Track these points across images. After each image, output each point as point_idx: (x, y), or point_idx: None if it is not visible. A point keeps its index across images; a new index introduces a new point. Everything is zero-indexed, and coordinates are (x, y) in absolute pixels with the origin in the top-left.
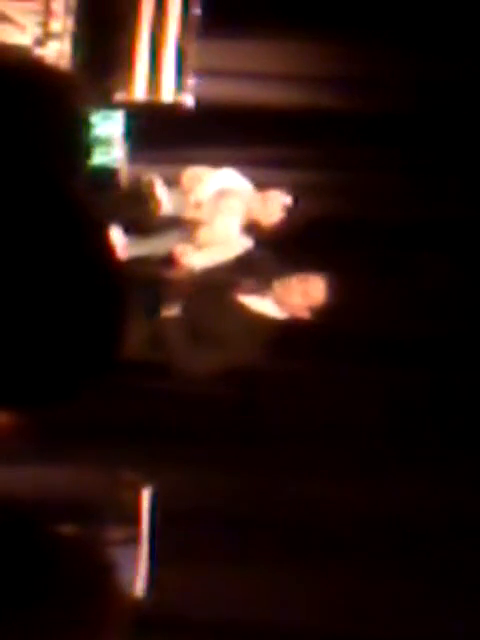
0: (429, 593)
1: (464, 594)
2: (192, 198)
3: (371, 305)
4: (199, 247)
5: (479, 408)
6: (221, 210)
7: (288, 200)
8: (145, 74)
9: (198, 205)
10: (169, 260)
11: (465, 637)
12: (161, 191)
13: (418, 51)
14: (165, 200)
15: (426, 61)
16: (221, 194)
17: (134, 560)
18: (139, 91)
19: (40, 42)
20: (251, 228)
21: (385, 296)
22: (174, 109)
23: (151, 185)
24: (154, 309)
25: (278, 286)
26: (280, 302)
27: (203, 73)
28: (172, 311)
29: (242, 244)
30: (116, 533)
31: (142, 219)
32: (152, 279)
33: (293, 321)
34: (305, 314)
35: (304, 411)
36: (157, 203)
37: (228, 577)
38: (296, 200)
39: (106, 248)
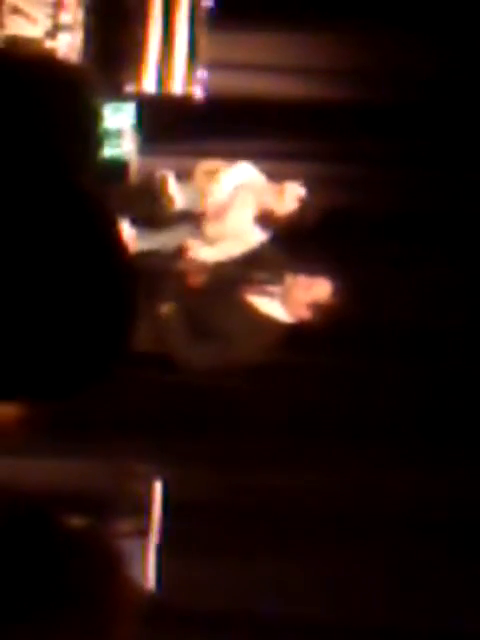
0: (434, 584)
1: (462, 584)
2: (205, 192)
3: (380, 297)
4: (211, 241)
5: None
6: (234, 204)
7: (303, 191)
8: (156, 66)
9: (211, 199)
10: (179, 254)
11: (463, 626)
12: (174, 188)
13: (430, 43)
14: (178, 197)
15: (439, 53)
16: (236, 189)
17: (144, 552)
18: (150, 83)
19: (51, 34)
20: (264, 219)
21: (395, 288)
22: (185, 101)
23: (164, 182)
24: None
25: (286, 287)
26: (287, 303)
27: (214, 65)
28: (172, 306)
29: (255, 238)
30: (126, 525)
31: (151, 212)
32: (161, 273)
33: (297, 321)
34: (308, 315)
35: (312, 404)
36: (170, 200)
37: (238, 569)
38: (308, 192)
39: (117, 240)
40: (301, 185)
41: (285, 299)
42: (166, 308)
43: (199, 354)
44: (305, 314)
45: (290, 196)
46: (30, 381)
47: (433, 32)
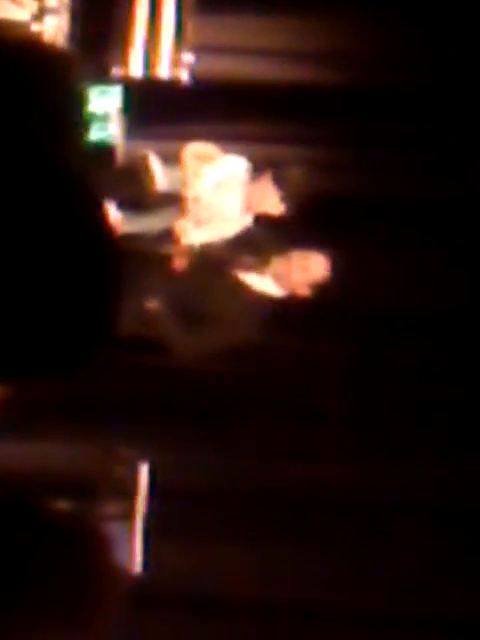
0: (428, 570)
1: (465, 572)
2: (193, 176)
3: (371, 282)
4: (198, 224)
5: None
6: (222, 188)
7: (282, 194)
8: (142, 49)
9: (199, 182)
10: (165, 237)
11: (469, 614)
12: (155, 166)
13: (419, 26)
14: (159, 175)
15: (428, 36)
16: (225, 176)
17: (130, 536)
18: (136, 67)
19: (37, 17)
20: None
21: (387, 273)
22: (171, 85)
23: (145, 160)
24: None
25: (278, 262)
26: (279, 279)
27: (201, 49)
28: (157, 301)
29: (242, 222)
30: (112, 509)
31: (137, 195)
32: (147, 256)
33: (293, 298)
34: (305, 291)
35: (301, 388)
36: (151, 178)
37: (223, 553)
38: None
39: (102, 223)
40: (282, 170)
41: (279, 277)
42: (153, 304)
43: (191, 342)
44: (303, 291)
45: (275, 197)
46: (14, 361)
47: (423, 15)
